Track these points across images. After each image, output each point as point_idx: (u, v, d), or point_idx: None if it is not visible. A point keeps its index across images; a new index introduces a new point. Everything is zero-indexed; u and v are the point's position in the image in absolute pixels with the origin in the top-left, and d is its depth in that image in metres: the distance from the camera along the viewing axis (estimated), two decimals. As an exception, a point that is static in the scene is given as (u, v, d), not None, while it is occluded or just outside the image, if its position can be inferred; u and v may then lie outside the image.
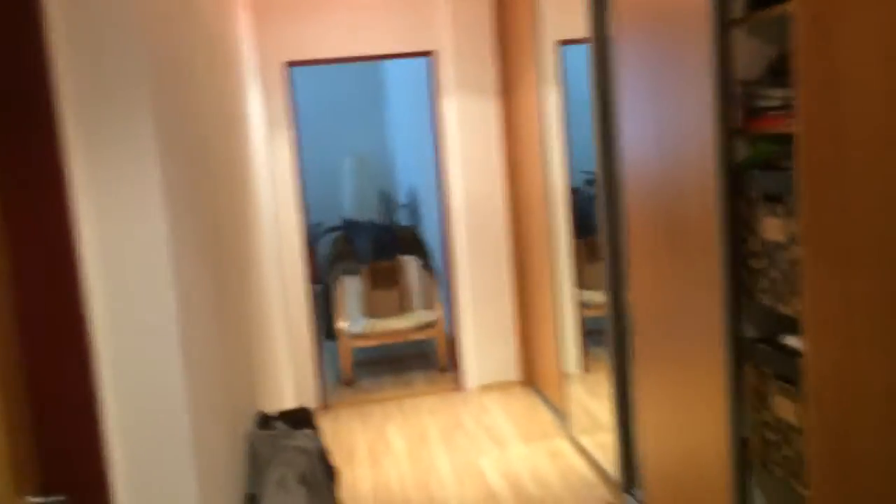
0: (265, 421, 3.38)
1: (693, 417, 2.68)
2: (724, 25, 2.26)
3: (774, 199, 2.14)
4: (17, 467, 1.55)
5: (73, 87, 1.76)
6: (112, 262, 1.83)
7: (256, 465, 2.99)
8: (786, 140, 2.05)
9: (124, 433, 1.85)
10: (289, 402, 4.83)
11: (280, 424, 3.34)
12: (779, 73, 2.19)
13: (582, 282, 4.40)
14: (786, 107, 2.07)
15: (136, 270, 1.85)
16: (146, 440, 1.89)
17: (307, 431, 3.33)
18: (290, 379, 5.05)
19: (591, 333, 4.44)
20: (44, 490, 1.63)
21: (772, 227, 2.15)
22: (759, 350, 2.28)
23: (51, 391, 1.66)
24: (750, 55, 2.29)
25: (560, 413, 4.62)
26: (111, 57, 1.80)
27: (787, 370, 2.13)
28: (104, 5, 1.78)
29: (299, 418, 3.51)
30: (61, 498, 1.57)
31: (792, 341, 2.16)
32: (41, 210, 1.65)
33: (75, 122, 1.76)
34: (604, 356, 3.73)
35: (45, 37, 1.66)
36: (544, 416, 4.83)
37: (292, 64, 5.09)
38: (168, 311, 1.89)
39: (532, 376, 5.30)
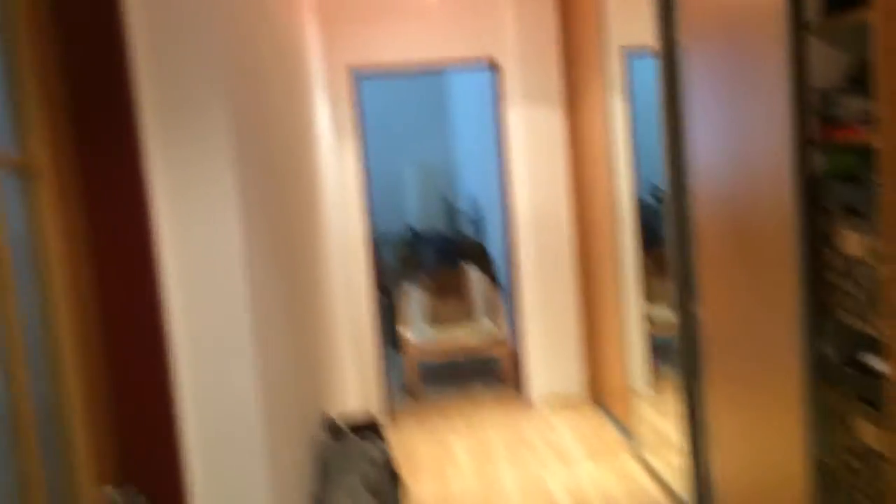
0: (334, 429, 3.41)
1: (768, 438, 2.57)
2: (800, 31, 2.17)
3: (854, 213, 2.04)
4: (97, 459, 1.65)
5: (151, 90, 1.80)
6: (188, 268, 1.87)
7: (325, 471, 3.01)
8: (865, 151, 1.96)
9: (199, 434, 1.89)
10: (353, 410, 4.85)
11: (349, 433, 3.37)
12: (857, 81, 2.09)
13: (649, 296, 4.31)
14: (865, 117, 1.97)
15: (212, 275, 1.89)
16: (220, 439, 1.94)
17: (375, 441, 3.35)
18: (354, 387, 5.07)
19: (657, 349, 4.33)
20: (120, 482, 1.72)
21: (852, 242, 2.05)
22: (838, 370, 2.18)
23: (131, 389, 1.73)
24: (826, 62, 2.19)
25: (627, 431, 4.52)
26: (189, 60, 1.84)
27: (870, 393, 2.03)
28: (184, 10, 1.82)
29: (367, 428, 3.53)
30: (135, 489, 1.68)
31: (875, 362, 2.06)
32: (124, 215, 1.70)
33: (153, 125, 1.80)
34: (671, 373, 3.63)
35: (128, 42, 1.70)
36: (611, 433, 4.74)
37: (356, 69, 5.12)
38: (242, 316, 1.92)
39: (598, 392, 5.21)
